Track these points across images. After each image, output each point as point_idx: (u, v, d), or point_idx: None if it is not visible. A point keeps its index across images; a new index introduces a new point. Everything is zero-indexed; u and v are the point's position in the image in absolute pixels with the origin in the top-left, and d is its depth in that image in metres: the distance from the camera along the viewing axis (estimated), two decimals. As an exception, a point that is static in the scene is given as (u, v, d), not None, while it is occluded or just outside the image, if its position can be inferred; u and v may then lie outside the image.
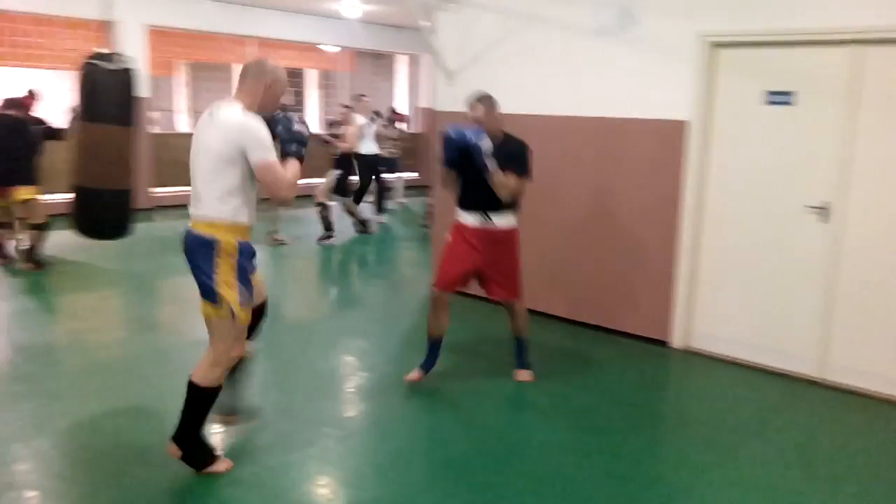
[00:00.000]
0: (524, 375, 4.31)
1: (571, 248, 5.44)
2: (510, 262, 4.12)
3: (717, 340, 4.85)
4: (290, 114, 3.15)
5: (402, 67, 15.01)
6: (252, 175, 2.87)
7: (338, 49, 13.14)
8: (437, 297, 4.11)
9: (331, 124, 9.31)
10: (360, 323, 5.66)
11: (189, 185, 2.98)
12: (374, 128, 9.32)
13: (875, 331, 4.26)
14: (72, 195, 4.37)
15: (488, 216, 4.00)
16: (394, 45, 13.39)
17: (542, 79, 5.49)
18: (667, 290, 4.95)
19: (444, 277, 4.09)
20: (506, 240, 4.08)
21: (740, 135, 4.66)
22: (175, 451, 3.03)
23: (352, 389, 4.29)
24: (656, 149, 4.93)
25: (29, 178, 6.44)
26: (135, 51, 9.05)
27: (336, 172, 8.42)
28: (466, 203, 4.08)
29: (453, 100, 6.04)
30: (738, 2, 4.51)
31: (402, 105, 14.59)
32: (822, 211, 4.36)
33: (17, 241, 6.75)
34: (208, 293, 2.89)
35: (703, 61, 4.67)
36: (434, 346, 4.16)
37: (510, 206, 4.03)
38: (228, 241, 2.87)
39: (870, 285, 4.26)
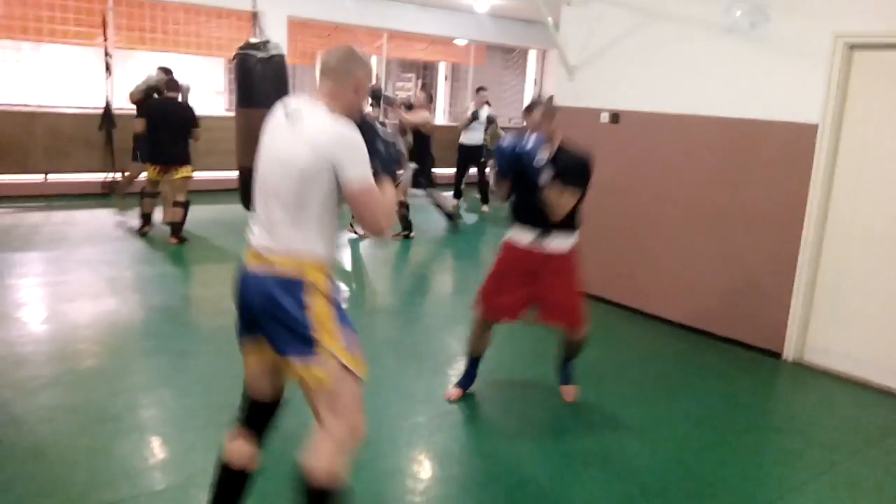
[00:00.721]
0: (572, 392, 3.94)
1: (685, 249, 5.32)
2: (569, 287, 3.59)
3: (833, 355, 4.62)
4: (374, 121, 2.50)
5: (531, 62, 15.02)
6: (339, 198, 2.22)
7: (467, 42, 13.33)
8: (481, 322, 3.72)
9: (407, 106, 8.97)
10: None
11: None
12: (483, 118, 9.53)
13: None
14: (237, 174, 4.81)
15: (543, 235, 3.51)
16: (523, 40, 13.42)
17: (666, 77, 5.39)
18: (784, 299, 4.76)
19: (490, 305, 3.66)
20: (562, 265, 3.56)
21: (872, 141, 4.41)
22: None
23: (452, 372, 4.43)
24: (782, 152, 4.74)
25: (187, 158, 7.05)
26: (277, 40, 9.60)
27: (412, 166, 7.79)
28: (521, 217, 3.60)
29: (574, 95, 6.07)
30: (878, 1, 4.25)
31: (529, 98, 14.60)
32: (961, 226, 4.06)
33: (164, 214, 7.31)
34: (302, 349, 2.15)
35: (837, 63, 4.44)
36: (473, 363, 3.88)
37: (569, 224, 3.53)
38: (320, 278, 2.21)
39: None
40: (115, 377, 3.90)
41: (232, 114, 5.82)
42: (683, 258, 5.33)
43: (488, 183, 9.99)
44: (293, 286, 2.16)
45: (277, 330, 2.16)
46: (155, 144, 6.98)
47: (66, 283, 5.49)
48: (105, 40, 9.00)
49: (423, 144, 7.78)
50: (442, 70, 15.98)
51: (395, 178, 2.41)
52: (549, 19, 5.99)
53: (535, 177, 3.27)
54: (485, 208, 10.00)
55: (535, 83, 14.88)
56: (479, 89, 9.93)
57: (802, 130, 4.60)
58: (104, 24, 8.99)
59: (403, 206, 7.59)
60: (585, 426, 3.68)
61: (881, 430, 3.89)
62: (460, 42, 13.30)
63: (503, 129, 10.12)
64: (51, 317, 4.78)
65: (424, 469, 3.22)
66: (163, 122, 6.92)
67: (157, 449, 3.20)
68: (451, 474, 3.16)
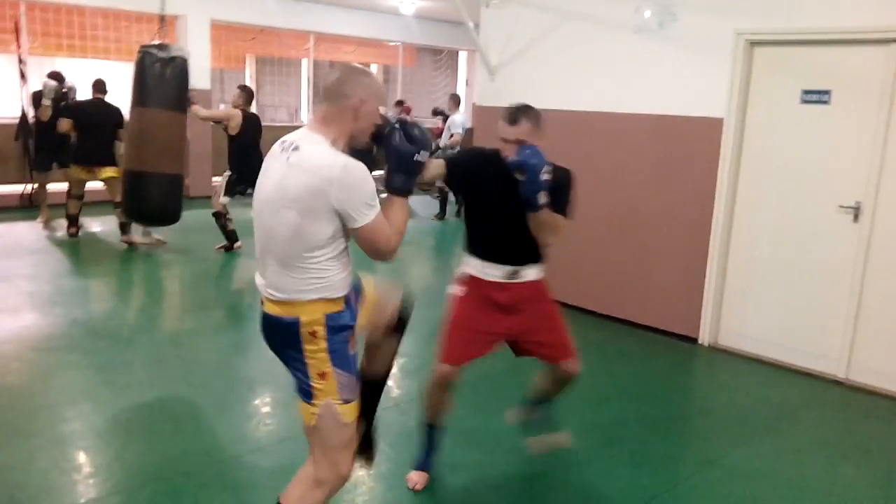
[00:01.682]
0: (563, 439, 3.36)
1: (603, 242, 5.50)
2: (554, 315, 3.05)
3: (745, 338, 4.86)
4: (398, 123, 2.22)
5: (462, 63, 15.18)
6: (346, 232, 2.10)
7: (397, 43, 13.38)
8: (444, 374, 2.92)
9: None
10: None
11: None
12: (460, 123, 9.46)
13: (904, 333, 4.22)
14: (124, 179, 4.69)
15: (517, 271, 2.92)
16: (451, 41, 13.55)
17: (581, 75, 5.56)
18: (697, 286, 4.98)
19: (454, 348, 2.94)
20: (541, 294, 3.02)
21: (774, 133, 4.66)
22: None
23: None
24: (693, 145, 4.96)
25: (112, 159, 6.93)
26: (199, 44, 9.48)
27: (226, 174, 6.88)
28: (486, 250, 2.94)
29: (496, 95, 6.19)
30: (776, 0, 4.50)
31: (463, 100, 14.75)
32: (854, 211, 4.33)
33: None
34: (301, 389, 2.17)
35: (739, 59, 4.68)
36: (435, 434, 3.08)
37: (543, 253, 2.99)
38: (313, 318, 2.11)
39: (899, 287, 4.22)
40: (35, 392, 3.82)
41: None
42: (603, 251, 5.50)
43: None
44: (293, 331, 2.12)
45: (289, 367, 2.20)
46: (83, 146, 6.94)
47: (-18, 299, 5.32)
48: (18, 47, 8.72)
49: (236, 148, 6.76)
50: (374, 72, 16.02)
51: (408, 194, 2.20)
52: (470, 22, 6.10)
53: (533, 196, 2.70)
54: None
55: (467, 84, 15.04)
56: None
57: (710, 124, 4.83)
58: (17, 31, 8.70)
59: (223, 217, 6.91)
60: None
61: (791, 405, 4.13)
62: (391, 43, 13.34)
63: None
64: (-34, 334, 4.63)
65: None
66: (92, 124, 6.87)
67: (79, 463, 3.15)
68: (381, 469, 3.22)
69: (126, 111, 7.07)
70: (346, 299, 2.19)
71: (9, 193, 8.77)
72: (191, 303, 5.81)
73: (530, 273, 2.95)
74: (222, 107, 7.45)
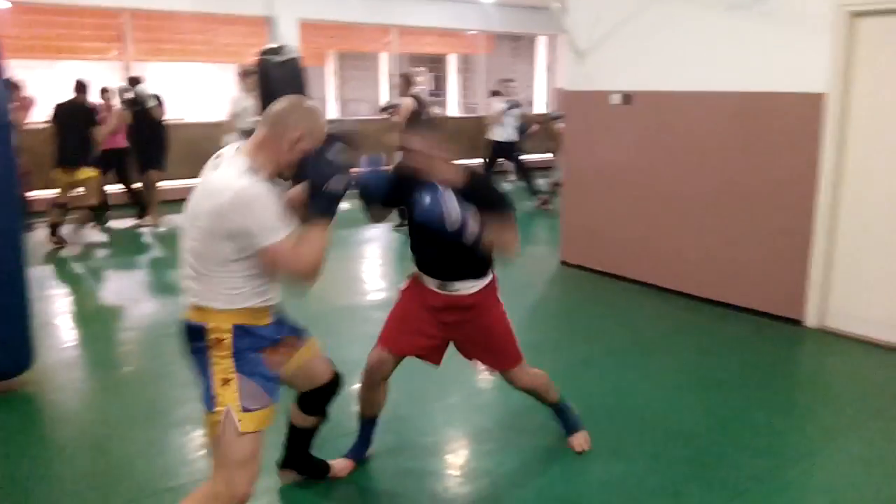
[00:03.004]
0: (581, 440, 3.27)
1: (698, 223, 5.42)
2: (492, 327, 2.99)
3: (856, 320, 4.70)
4: (328, 146, 2.20)
5: (541, 49, 15.09)
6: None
7: (475, 32, 13.43)
8: (377, 361, 2.94)
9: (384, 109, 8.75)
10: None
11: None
12: (514, 114, 9.18)
13: None
14: None
15: (448, 285, 2.87)
16: (531, 27, 13.50)
17: (673, 55, 5.48)
18: (801, 267, 4.85)
19: (389, 335, 2.96)
20: (479, 306, 2.93)
21: (885, 107, 4.47)
22: None
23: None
24: (790, 122, 4.82)
25: (87, 159, 7.01)
26: (290, 43, 9.79)
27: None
28: (420, 262, 2.95)
29: (585, 79, 6.18)
30: (882, -33, 4.33)
31: (541, 86, 14.70)
32: (973, 185, 4.13)
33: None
34: (204, 398, 2.18)
35: (841, 31, 4.51)
36: (367, 426, 3.12)
37: (483, 266, 2.90)
38: (219, 325, 2.15)
39: None
40: (159, 376, 4.10)
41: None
42: (701, 233, 5.42)
43: (529, 175, 9.45)
44: (198, 335, 2.17)
45: (196, 374, 2.23)
46: (61, 147, 6.93)
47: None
48: (122, 54, 9.23)
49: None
50: (453, 62, 16.08)
51: (329, 219, 2.17)
52: (557, 4, 6.10)
53: (454, 236, 2.62)
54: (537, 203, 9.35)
55: (547, 69, 14.95)
56: (507, 81, 9.56)
57: (810, 100, 4.68)
58: (121, 39, 9.21)
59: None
60: (621, 395, 3.82)
61: (903, 388, 3.99)
62: (469, 32, 13.40)
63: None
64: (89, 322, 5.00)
65: (462, 445, 3.38)
66: (66, 125, 6.93)
67: (206, 439, 3.37)
68: (487, 449, 3.32)
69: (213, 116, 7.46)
70: (269, 316, 2.24)
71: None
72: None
73: (466, 287, 2.87)
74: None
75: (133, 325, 5.05)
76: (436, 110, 7.55)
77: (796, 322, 4.90)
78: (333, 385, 2.62)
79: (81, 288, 6.02)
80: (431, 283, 2.90)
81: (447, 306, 2.90)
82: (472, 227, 2.62)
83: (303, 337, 2.49)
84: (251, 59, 5.23)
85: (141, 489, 2.93)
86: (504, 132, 9.18)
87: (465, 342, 3.02)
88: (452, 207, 2.59)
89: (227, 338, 2.15)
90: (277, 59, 4.68)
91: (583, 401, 3.78)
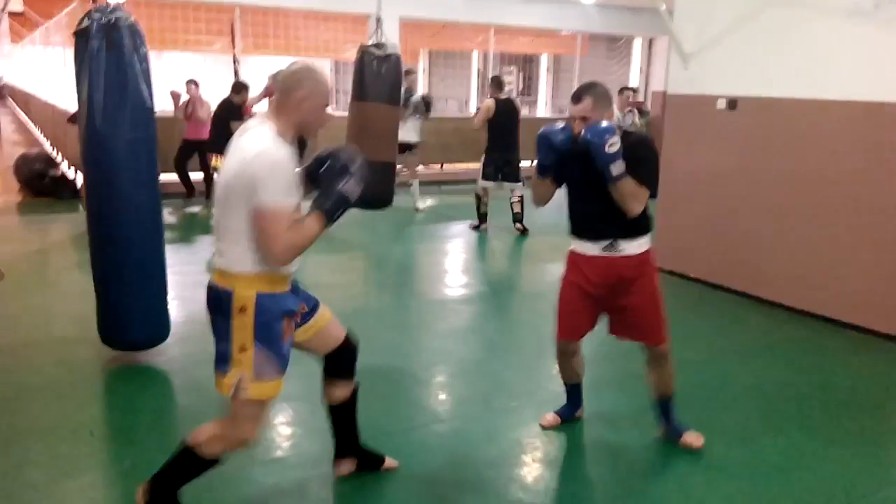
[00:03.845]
0: (693, 438, 3.27)
1: (808, 236, 5.25)
2: (647, 296, 3.09)
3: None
4: (346, 153, 2.38)
5: (637, 51, 14.86)
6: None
7: (569, 33, 13.34)
8: (561, 350, 3.29)
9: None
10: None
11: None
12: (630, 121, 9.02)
13: None
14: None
15: (615, 244, 3.01)
16: (629, 28, 13.33)
17: (786, 61, 5.32)
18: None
19: (564, 327, 3.21)
20: (639, 270, 3.05)
21: None
22: (141, 497, 2.50)
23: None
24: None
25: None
26: (390, 41, 10.01)
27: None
28: (580, 227, 3.10)
29: (688, 82, 6.08)
30: None
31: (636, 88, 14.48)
32: None
33: None
34: (219, 360, 2.34)
35: (973, 39, 4.30)
36: (573, 391, 3.46)
37: (642, 225, 3.03)
38: (245, 293, 2.27)
39: None
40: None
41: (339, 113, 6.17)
42: (808, 246, 5.25)
43: None
44: (225, 301, 2.29)
45: (215, 336, 2.37)
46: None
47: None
48: (233, 47, 9.65)
49: (489, 134, 7.50)
50: (544, 62, 16.03)
51: (330, 219, 2.30)
52: (663, 6, 6.03)
53: (605, 168, 2.82)
54: None
55: (641, 71, 14.71)
56: (624, 89, 9.44)
57: (936, 111, 4.47)
58: (232, 32, 9.63)
59: (478, 199, 7.74)
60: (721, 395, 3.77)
61: None
62: (564, 32, 13.33)
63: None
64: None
65: (534, 457, 3.30)
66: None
67: (308, 415, 3.50)
68: (555, 458, 3.34)
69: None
70: (287, 285, 2.38)
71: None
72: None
73: (628, 247, 3.01)
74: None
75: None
76: (524, 111, 7.59)
77: (905, 341, 4.70)
78: (350, 346, 2.74)
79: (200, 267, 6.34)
80: (594, 249, 3.04)
81: (610, 271, 3.03)
82: (622, 165, 2.81)
83: (311, 302, 2.60)
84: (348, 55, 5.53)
85: (252, 457, 3.08)
86: None
87: (621, 310, 3.13)
88: (614, 136, 2.79)
89: (250, 306, 2.27)
90: (378, 52, 4.82)
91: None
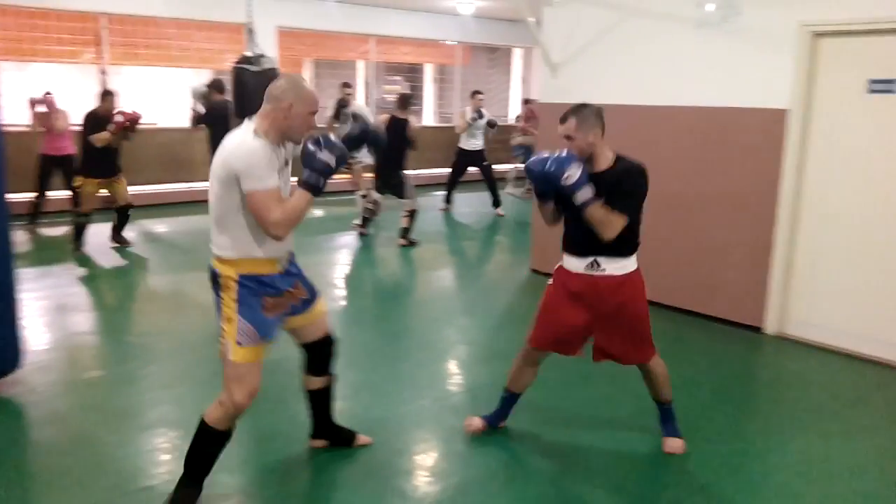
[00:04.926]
0: (675, 445, 3.37)
1: (665, 234, 5.56)
2: (632, 315, 3.16)
3: (814, 327, 4.88)
4: (326, 135, 2.75)
5: (517, 61, 15.27)
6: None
7: (452, 43, 13.57)
8: (527, 352, 3.36)
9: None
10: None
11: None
12: (481, 124, 9.59)
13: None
14: None
15: (597, 262, 3.09)
16: (507, 39, 13.68)
17: (644, 71, 5.64)
18: (761, 276, 5.02)
19: (539, 335, 3.29)
20: (623, 290, 3.11)
21: (842, 123, 4.66)
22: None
23: (453, 359, 4.68)
24: (755, 136, 4.99)
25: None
26: (266, 52, 9.83)
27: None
28: (569, 244, 3.17)
29: (557, 92, 6.31)
30: (840, -10, 4.52)
31: (516, 97, 14.89)
32: (925, 199, 4.33)
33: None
34: (218, 331, 2.75)
35: (804, 51, 4.70)
36: (508, 401, 3.48)
37: (627, 246, 3.10)
38: (228, 273, 2.66)
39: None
40: (131, 379, 4.12)
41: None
42: (664, 239, 5.57)
43: (496, 184, 9.83)
44: (215, 279, 2.71)
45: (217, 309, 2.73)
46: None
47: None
48: (100, 57, 9.21)
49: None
50: (429, 71, 16.21)
51: (314, 191, 2.64)
52: (532, 19, 6.24)
53: (568, 197, 2.92)
54: (500, 211, 9.73)
55: (522, 81, 15.15)
56: (475, 93, 9.94)
57: (773, 115, 4.86)
58: (98, 42, 9.19)
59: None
60: (585, 394, 3.93)
61: (861, 393, 4.15)
62: (447, 43, 13.54)
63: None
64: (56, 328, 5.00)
65: (431, 447, 3.46)
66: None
67: (179, 441, 3.40)
68: (456, 450, 3.40)
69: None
70: (275, 267, 2.73)
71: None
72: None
73: (610, 267, 3.08)
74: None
75: (109, 329, 5.06)
76: (411, 120, 7.70)
77: (757, 329, 5.06)
78: (328, 343, 3.09)
79: (59, 292, 6.00)
80: (580, 266, 3.11)
81: (594, 289, 3.10)
82: (585, 193, 2.89)
83: (312, 295, 2.96)
84: (228, 65, 5.40)
85: (117, 488, 2.96)
86: (472, 141, 9.63)
87: (605, 330, 3.17)
88: (567, 168, 2.87)
89: (233, 284, 2.66)
90: (254, 68, 4.72)
91: (552, 398, 3.89)
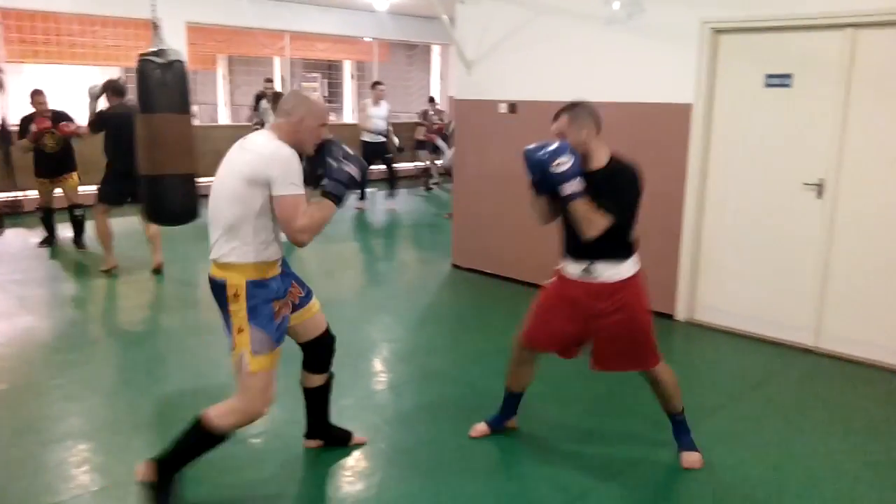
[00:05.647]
0: (692, 459, 3.21)
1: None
2: (629, 322, 3.02)
3: (720, 313, 5.09)
4: (336, 145, 2.78)
5: (436, 57, 15.33)
6: (273, 215, 2.64)
7: (371, 40, 13.49)
8: (520, 352, 3.31)
9: None
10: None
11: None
12: (382, 115, 9.81)
13: (865, 300, 4.47)
14: (141, 184, 4.83)
15: (591, 268, 2.99)
16: (425, 36, 13.69)
17: (556, 67, 5.75)
18: (672, 265, 5.20)
19: (531, 333, 3.22)
20: (618, 296, 2.98)
21: (741, 116, 4.88)
22: (147, 473, 2.69)
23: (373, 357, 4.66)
24: (663, 131, 5.17)
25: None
26: (175, 47, 9.52)
27: None
28: (566, 247, 3.08)
29: (473, 89, 6.38)
30: (737, -11, 4.72)
31: (435, 93, 14.93)
32: (818, 188, 4.57)
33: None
34: (229, 342, 2.70)
35: (705, 47, 4.89)
36: (510, 400, 3.43)
37: (621, 249, 2.98)
38: (236, 282, 2.63)
39: (860, 257, 4.47)
40: (37, 392, 3.94)
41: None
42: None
43: (397, 177, 10.30)
44: (221, 290, 2.66)
45: (223, 320, 2.72)
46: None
47: (-24, 305, 5.40)
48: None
49: None
50: (347, 68, 16.07)
51: (338, 200, 2.71)
52: (445, 17, 6.27)
53: (556, 186, 2.84)
54: (362, 205, 9.95)
55: (441, 78, 15.21)
56: (376, 84, 10.12)
57: (679, 110, 5.04)
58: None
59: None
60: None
61: (763, 373, 4.36)
62: (365, 39, 13.45)
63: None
64: (-35, 338, 4.73)
65: (354, 445, 3.43)
66: None
67: (88, 454, 3.29)
68: (378, 448, 3.39)
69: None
70: (277, 268, 2.73)
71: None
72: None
73: (606, 272, 2.96)
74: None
75: (8, 341, 4.81)
76: (330, 117, 7.64)
77: (668, 316, 5.25)
78: (327, 340, 3.08)
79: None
80: (575, 270, 3.03)
81: (590, 295, 3.00)
82: (572, 185, 2.81)
83: (307, 293, 2.99)
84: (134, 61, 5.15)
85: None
86: (374, 134, 9.80)
87: (603, 336, 3.05)
88: (560, 156, 2.81)
89: (242, 293, 2.63)
90: (160, 61, 4.56)
91: (476, 394, 3.92)
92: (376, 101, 9.81)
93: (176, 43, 9.55)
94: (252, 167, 2.57)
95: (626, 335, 3.04)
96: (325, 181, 2.72)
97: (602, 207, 2.84)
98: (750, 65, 4.79)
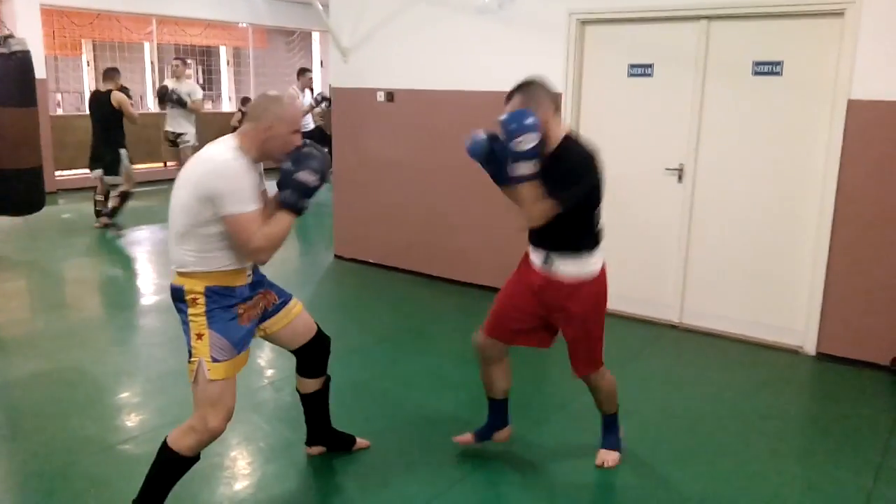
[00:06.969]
0: (609, 458, 3.15)
1: (457, 213, 5.77)
2: (578, 328, 2.90)
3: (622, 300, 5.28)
4: (306, 150, 2.55)
5: (316, 44, 15.03)
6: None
7: (246, 25, 13.08)
8: (480, 346, 3.05)
9: None
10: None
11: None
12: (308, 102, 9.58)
13: (722, 278, 4.78)
14: None
15: (549, 257, 2.82)
16: (302, 22, 13.42)
17: (430, 56, 5.77)
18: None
19: (491, 322, 3.02)
20: (573, 299, 2.83)
21: (608, 105, 5.08)
22: None
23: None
24: (536, 119, 5.29)
25: None
26: (30, 31, 8.88)
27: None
28: (529, 234, 2.89)
29: (348, 76, 6.30)
30: (601, -19, 4.89)
31: (317, 81, 14.65)
32: (679, 172, 4.83)
33: None
34: (188, 350, 2.53)
35: (572, 37, 5.05)
36: (493, 409, 3.17)
37: (580, 241, 2.79)
38: (194, 288, 2.47)
39: (716, 239, 4.77)
40: None
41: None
42: (453, 220, 5.78)
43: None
44: (180, 297, 2.51)
45: (182, 328, 2.56)
46: None
47: None
48: None
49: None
50: (223, 55, 15.52)
51: (296, 212, 2.51)
52: (318, 3, 6.15)
53: (503, 170, 2.67)
54: None
55: (322, 65, 14.95)
56: (303, 71, 9.95)
57: (551, 98, 5.17)
58: None
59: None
60: (389, 379, 3.98)
61: (635, 347, 4.59)
62: (241, 25, 13.01)
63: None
64: None
65: (231, 445, 3.34)
66: None
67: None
68: (257, 448, 3.32)
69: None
70: (244, 277, 2.59)
71: None
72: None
73: (563, 268, 2.79)
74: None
75: None
76: (207, 105, 7.43)
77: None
78: (321, 342, 2.97)
79: None
80: (537, 260, 2.87)
81: (547, 288, 2.84)
82: (525, 168, 2.59)
83: (283, 296, 2.83)
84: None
85: None
86: (303, 122, 9.44)
87: (562, 329, 2.96)
88: (530, 136, 2.55)
89: (200, 298, 2.48)
90: (2, 50, 4.24)
91: (351, 387, 3.91)
92: (303, 89, 9.63)
93: (30, 27, 8.96)
94: (199, 179, 2.40)
95: (572, 337, 2.94)
96: (281, 191, 2.53)
97: (550, 196, 2.61)
98: (615, 55, 4.98)
